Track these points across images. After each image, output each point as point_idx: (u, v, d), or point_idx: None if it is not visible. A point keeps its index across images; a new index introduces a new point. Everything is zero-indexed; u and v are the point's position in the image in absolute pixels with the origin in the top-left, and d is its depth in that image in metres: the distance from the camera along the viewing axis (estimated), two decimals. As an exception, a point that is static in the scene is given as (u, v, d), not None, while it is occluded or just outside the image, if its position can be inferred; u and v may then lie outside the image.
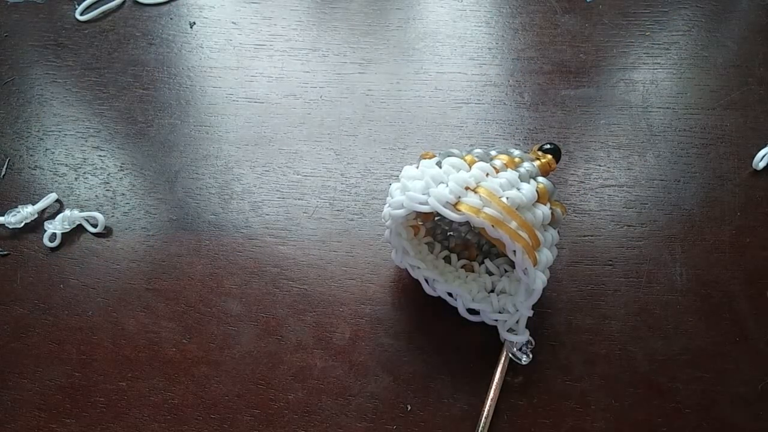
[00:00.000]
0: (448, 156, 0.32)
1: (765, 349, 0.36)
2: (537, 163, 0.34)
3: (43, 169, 0.45)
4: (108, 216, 0.42)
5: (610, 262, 0.39)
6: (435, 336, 0.37)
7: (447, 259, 0.38)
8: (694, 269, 0.39)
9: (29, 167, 0.45)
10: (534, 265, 0.31)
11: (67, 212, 0.42)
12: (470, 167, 0.32)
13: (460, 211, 0.30)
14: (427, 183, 0.31)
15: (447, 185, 0.31)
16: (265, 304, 0.38)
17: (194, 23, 0.54)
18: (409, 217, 0.34)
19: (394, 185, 0.34)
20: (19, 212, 0.42)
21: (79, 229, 0.42)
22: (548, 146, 0.36)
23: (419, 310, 0.38)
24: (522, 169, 0.33)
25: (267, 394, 0.35)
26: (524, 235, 0.30)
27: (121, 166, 0.45)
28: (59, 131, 0.47)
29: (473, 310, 0.36)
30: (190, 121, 0.47)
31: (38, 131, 0.47)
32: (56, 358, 0.37)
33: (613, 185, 0.43)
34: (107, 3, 0.55)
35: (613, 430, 0.34)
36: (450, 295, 0.36)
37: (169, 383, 0.36)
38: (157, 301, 0.39)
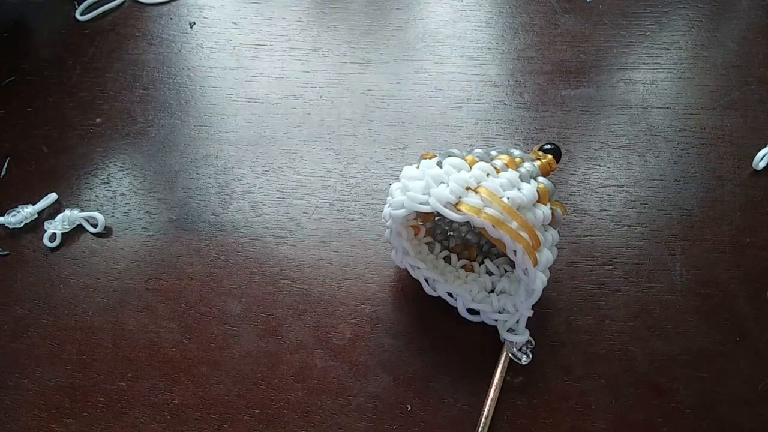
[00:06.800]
0: (449, 156, 0.32)
1: (765, 349, 0.36)
2: (537, 163, 0.34)
3: (43, 169, 0.45)
4: (108, 216, 0.42)
5: (610, 262, 0.39)
6: (435, 336, 0.37)
7: (447, 259, 0.38)
8: (694, 269, 0.39)
9: (29, 167, 0.45)
10: (534, 265, 0.31)
11: (67, 212, 0.42)
12: (471, 167, 0.32)
13: (460, 211, 0.30)
14: (427, 183, 0.31)
15: (447, 185, 0.31)
16: (265, 304, 0.38)
17: (194, 23, 0.54)
18: (410, 217, 0.34)
19: (395, 185, 0.34)
20: (19, 212, 0.42)
21: (79, 229, 0.42)
22: (548, 146, 0.36)
23: (419, 310, 0.38)
24: (522, 169, 0.33)
25: (267, 394, 0.35)
26: (525, 235, 0.30)
27: (121, 166, 0.45)
28: (59, 131, 0.47)
29: (473, 310, 0.36)
30: (190, 121, 0.47)
31: (38, 131, 0.47)
32: (56, 358, 0.37)
33: (613, 185, 0.43)
34: (107, 3, 0.55)
35: (613, 430, 0.34)
36: (450, 295, 0.36)
37: (169, 383, 0.36)
38: (157, 301, 0.39)
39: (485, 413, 0.33)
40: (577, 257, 0.39)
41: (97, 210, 0.42)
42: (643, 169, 0.43)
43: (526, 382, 0.35)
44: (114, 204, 0.43)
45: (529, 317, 0.34)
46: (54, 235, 0.41)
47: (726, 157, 0.44)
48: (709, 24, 0.51)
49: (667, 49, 0.50)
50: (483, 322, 0.36)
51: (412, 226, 0.36)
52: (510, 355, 0.35)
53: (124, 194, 0.44)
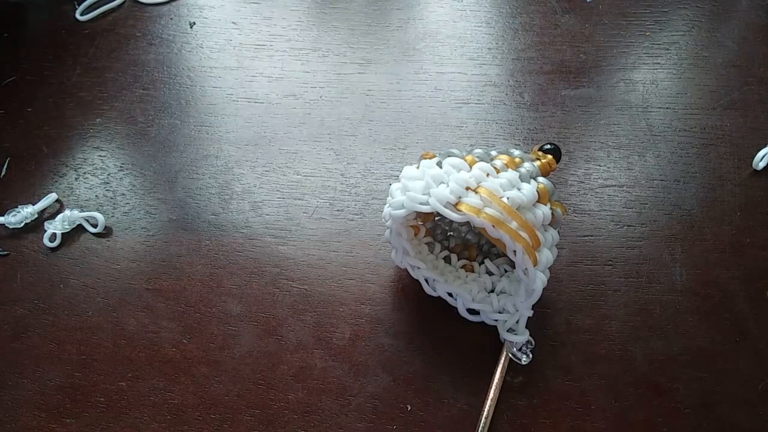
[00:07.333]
0: (449, 156, 0.32)
1: (765, 349, 0.36)
2: (537, 163, 0.34)
3: (43, 169, 0.45)
4: (108, 216, 0.42)
5: (610, 262, 0.39)
6: (435, 336, 0.37)
7: (447, 260, 0.38)
8: (694, 269, 0.39)
9: (29, 167, 0.45)
10: (534, 265, 0.31)
11: (67, 212, 0.42)
12: (471, 167, 0.32)
13: (460, 211, 0.30)
14: (427, 183, 0.31)
15: (447, 185, 0.31)
16: (265, 304, 0.38)
17: (194, 23, 0.54)
18: (410, 217, 0.34)
19: (395, 185, 0.34)
20: (19, 212, 0.42)
21: (79, 229, 0.42)
22: (548, 146, 0.36)
23: (419, 310, 0.38)
24: (522, 170, 0.33)
25: (267, 394, 0.35)
26: (525, 235, 0.30)
27: (121, 166, 0.45)
28: (59, 131, 0.47)
29: (473, 310, 0.36)
30: (190, 121, 0.47)
31: (38, 131, 0.47)
32: (56, 358, 0.37)
33: (613, 185, 0.43)
34: (107, 3, 0.55)
35: (613, 430, 0.34)
36: (450, 295, 0.36)
37: (169, 383, 0.36)
38: (157, 301, 0.39)
39: (485, 413, 0.33)
40: (577, 257, 0.39)
41: (97, 210, 0.42)
42: (643, 169, 0.43)
43: (526, 382, 0.35)
44: (114, 204, 0.43)
45: (529, 317, 0.34)
46: (54, 235, 0.41)
47: (726, 157, 0.44)
48: (709, 24, 0.51)
49: (667, 49, 0.50)
50: (483, 322, 0.36)
51: (412, 226, 0.36)
52: (510, 355, 0.35)
53: (124, 194, 0.44)
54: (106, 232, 0.42)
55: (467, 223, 0.37)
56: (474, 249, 0.38)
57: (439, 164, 0.32)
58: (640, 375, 0.35)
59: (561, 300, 0.38)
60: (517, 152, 0.34)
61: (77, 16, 0.54)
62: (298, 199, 0.43)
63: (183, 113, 0.48)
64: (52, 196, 0.43)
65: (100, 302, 0.39)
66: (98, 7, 0.55)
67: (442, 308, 0.37)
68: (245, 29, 0.53)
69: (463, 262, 0.38)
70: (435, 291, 0.36)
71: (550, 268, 0.33)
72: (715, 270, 0.39)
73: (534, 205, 0.32)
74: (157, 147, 0.46)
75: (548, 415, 0.34)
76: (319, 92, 0.49)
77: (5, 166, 0.45)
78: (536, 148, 0.36)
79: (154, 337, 0.37)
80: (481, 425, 0.33)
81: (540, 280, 0.31)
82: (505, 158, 0.33)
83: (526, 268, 0.31)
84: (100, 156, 0.46)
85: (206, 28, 0.54)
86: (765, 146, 0.43)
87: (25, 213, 0.42)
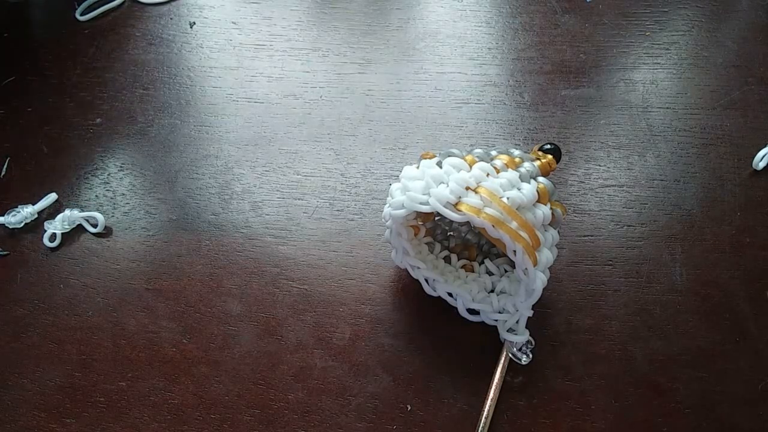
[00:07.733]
0: (449, 156, 0.32)
1: (765, 349, 0.36)
2: (537, 163, 0.34)
3: (43, 169, 0.45)
4: (108, 216, 0.42)
5: (610, 262, 0.39)
6: (435, 336, 0.37)
7: (447, 259, 0.38)
8: (694, 269, 0.39)
9: (29, 167, 0.45)
10: (534, 265, 0.31)
11: (67, 212, 0.42)
12: (471, 167, 0.32)
13: (460, 211, 0.30)
14: (427, 183, 0.31)
15: (447, 185, 0.31)
16: (265, 304, 0.38)
17: (194, 23, 0.54)
18: (410, 217, 0.34)
19: (395, 185, 0.34)
20: (19, 212, 0.42)
21: (79, 229, 0.42)
22: (548, 146, 0.36)
23: (419, 310, 0.38)
24: (522, 169, 0.33)
25: (267, 394, 0.35)
26: (525, 235, 0.30)
27: (121, 166, 0.45)
28: (59, 131, 0.47)
29: (473, 310, 0.36)
30: (190, 121, 0.47)
31: (38, 131, 0.47)
32: (56, 358, 0.37)
33: (613, 185, 0.43)
34: (107, 3, 0.55)
35: (613, 430, 0.34)
36: (450, 295, 0.36)
37: (169, 383, 0.36)
38: (157, 301, 0.39)
39: (485, 413, 0.33)
40: (577, 257, 0.39)
41: (97, 210, 0.42)
42: (643, 169, 0.43)
43: (526, 382, 0.35)
44: (114, 204, 0.43)
45: (529, 317, 0.34)
46: (54, 235, 0.41)
47: (726, 157, 0.44)
48: (709, 24, 0.51)
49: (667, 49, 0.50)
50: (483, 322, 0.36)
51: (412, 226, 0.36)
52: (510, 355, 0.35)
53: (124, 194, 0.44)
54: (106, 232, 0.42)
55: (467, 223, 0.37)
56: (474, 249, 0.39)
57: (439, 164, 0.32)
58: (640, 375, 0.35)
59: (561, 300, 0.38)
60: (517, 152, 0.34)
61: (77, 16, 0.54)
62: (298, 199, 0.43)
63: (183, 113, 0.48)
64: (52, 196, 0.43)
65: (100, 302, 0.39)
66: (98, 7, 0.55)
67: (442, 308, 0.37)
68: (245, 29, 0.53)
69: (463, 262, 0.38)
70: (435, 291, 0.36)
71: (550, 268, 0.33)
72: (715, 270, 0.39)
73: (534, 205, 0.32)
74: (157, 147, 0.46)
75: (548, 415, 0.34)
76: (319, 92, 0.49)
77: (5, 166, 0.45)
78: (536, 148, 0.36)
79: (154, 337, 0.37)
80: (481, 425, 0.33)
81: (540, 280, 0.31)
82: (505, 158, 0.33)
83: (526, 268, 0.31)
84: (100, 156, 0.46)
85: (206, 28, 0.54)
86: (765, 146, 0.43)
87: (25, 213, 0.42)
